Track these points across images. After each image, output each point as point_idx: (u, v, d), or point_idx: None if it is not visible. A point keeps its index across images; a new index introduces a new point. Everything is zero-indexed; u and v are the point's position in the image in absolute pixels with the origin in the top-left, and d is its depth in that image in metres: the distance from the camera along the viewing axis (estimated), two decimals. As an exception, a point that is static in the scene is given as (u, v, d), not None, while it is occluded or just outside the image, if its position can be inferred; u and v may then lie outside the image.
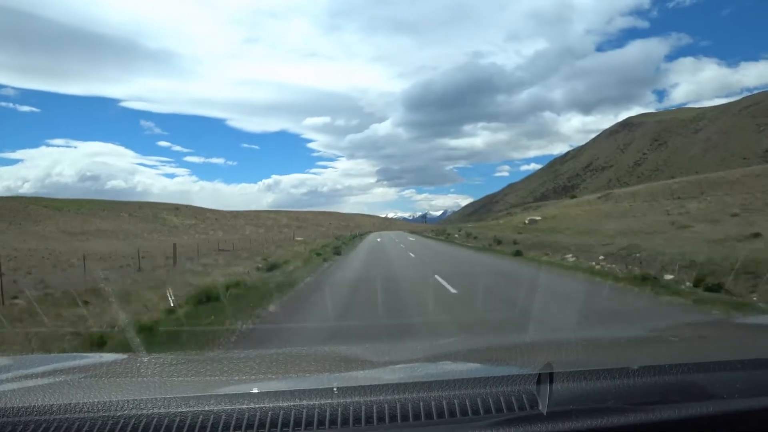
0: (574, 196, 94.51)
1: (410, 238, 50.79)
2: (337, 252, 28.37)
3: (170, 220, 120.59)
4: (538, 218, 45.52)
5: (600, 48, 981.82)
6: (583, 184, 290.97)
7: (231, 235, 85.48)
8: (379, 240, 49.07)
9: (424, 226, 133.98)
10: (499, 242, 31.92)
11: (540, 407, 1.12)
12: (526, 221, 45.06)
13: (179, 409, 1.10)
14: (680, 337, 2.29)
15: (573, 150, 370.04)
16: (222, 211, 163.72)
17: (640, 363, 1.29)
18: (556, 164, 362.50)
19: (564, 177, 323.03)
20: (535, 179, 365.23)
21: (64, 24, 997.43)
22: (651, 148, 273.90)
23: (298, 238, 56.45)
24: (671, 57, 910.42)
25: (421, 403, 1.12)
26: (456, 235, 46.35)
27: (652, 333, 2.52)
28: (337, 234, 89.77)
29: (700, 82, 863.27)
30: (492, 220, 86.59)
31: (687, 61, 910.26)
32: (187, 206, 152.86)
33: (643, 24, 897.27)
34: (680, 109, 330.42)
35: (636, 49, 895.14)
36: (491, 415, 1.11)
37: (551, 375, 1.17)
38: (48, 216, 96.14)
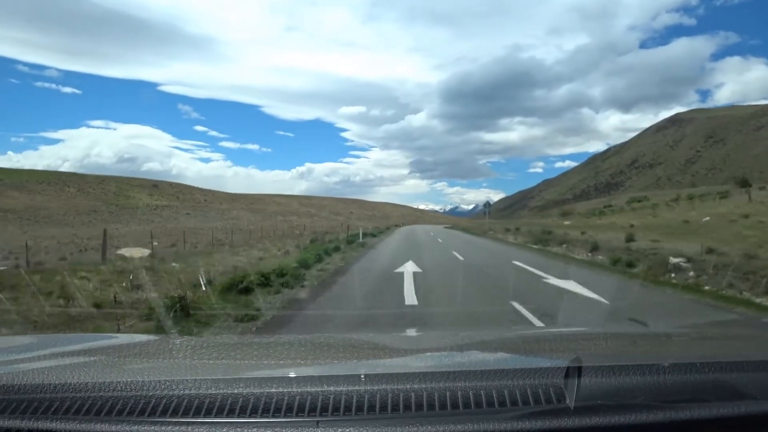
0: (749, 184, 56.92)
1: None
2: None
3: (135, 200, 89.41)
4: None
5: (643, 45, 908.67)
6: (629, 181, 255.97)
7: (208, 224, 67.33)
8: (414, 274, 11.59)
9: (467, 221, 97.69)
10: None
11: (567, 401, 1.05)
12: None
13: (209, 391, 1.07)
14: (712, 335, 2.17)
15: (615, 146, 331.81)
16: (217, 192, 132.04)
17: (671, 360, 1.20)
18: (596, 161, 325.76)
19: (606, 174, 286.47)
20: (573, 175, 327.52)
21: (106, 7, 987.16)
22: (705, 146, 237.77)
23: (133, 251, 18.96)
24: (717, 56, 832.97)
25: (448, 393, 1.08)
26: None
27: (683, 330, 2.41)
28: (347, 225, 56.58)
29: (746, 83, 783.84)
30: (589, 216, 51.54)
31: (734, 61, 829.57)
32: (171, 184, 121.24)
33: (689, 21, 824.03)
34: (734, 107, 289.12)
35: (681, 46, 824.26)
36: (518, 408, 1.05)
37: (580, 369, 1.10)
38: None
